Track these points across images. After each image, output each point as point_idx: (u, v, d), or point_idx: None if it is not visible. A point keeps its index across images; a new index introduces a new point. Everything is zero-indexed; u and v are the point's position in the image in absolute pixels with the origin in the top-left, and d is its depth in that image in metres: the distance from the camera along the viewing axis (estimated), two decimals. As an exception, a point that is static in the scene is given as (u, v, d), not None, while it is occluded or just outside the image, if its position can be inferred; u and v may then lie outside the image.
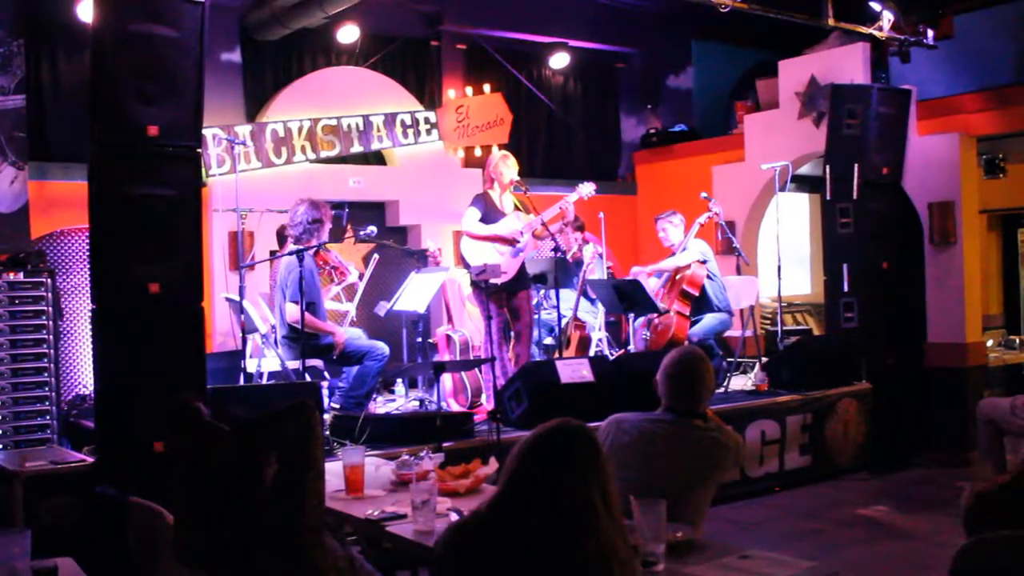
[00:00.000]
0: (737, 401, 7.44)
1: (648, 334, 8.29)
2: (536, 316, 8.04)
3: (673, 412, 3.68)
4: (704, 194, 8.72)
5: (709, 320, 8.20)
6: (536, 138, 11.46)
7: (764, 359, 8.37)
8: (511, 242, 7.33)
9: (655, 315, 8.20)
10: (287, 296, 6.69)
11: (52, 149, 8.23)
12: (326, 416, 6.23)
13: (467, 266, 7.31)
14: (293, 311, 6.60)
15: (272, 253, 8.49)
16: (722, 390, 7.86)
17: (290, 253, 6.65)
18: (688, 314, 8.19)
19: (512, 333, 7.57)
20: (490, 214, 7.36)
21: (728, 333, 8.56)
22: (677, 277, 8.29)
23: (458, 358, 7.73)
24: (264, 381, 7.14)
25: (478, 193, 7.53)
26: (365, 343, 6.96)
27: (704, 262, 8.27)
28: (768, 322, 10.93)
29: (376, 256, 8.05)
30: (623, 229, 11.38)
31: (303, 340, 6.38)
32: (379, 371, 6.83)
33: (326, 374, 7.49)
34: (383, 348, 6.88)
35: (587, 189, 7.62)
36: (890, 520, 6.56)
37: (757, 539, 5.97)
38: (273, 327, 7.28)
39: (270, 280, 8.15)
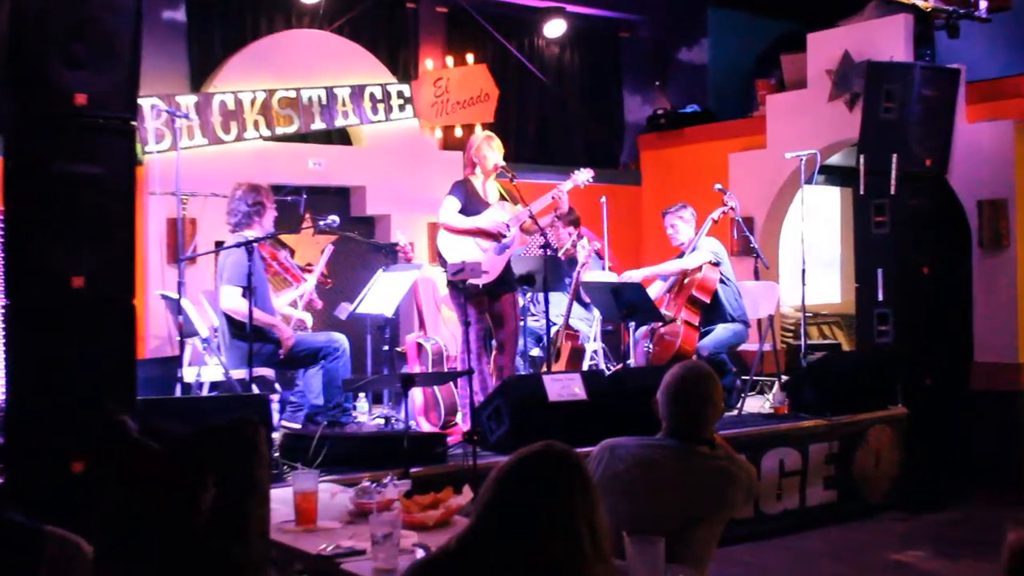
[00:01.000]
0: (752, 426, 7.45)
1: (651, 346, 8.30)
2: (522, 323, 8.04)
3: (675, 437, 3.68)
4: (719, 186, 8.74)
5: (721, 331, 8.22)
6: (526, 117, 11.47)
7: (784, 377, 8.38)
8: (496, 237, 7.32)
9: (659, 324, 8.22)
10: (224, 278, 6.74)
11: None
12: (275, 435, 6.22)
13: (443, 264, 7.31)
14: (229, 296, 6.64)
15: (219, 244, 8.47)
16: (734, 412, 7.88)
17: (238, 245, 6.65)
18: (697, 324, 8.20)
19: (494, 342, 7.57)
20: (471, 204, 7.36)
21: (743, 347, 8.58)
22: (685, 281, 8.31)
23: (430, 370, 7.72)
24: (204, 393, 7.13)
25: (458, 180, 7.53)
26: (319, 339, 6.98)
27: (717, 264, 8.29)
28: (790, 335, 10.94)
29: (330, 248, 8.02)
30: (625, 223, 11.40)
31: (249, 332, 6.36)
32: (344, 370, 6.91)
33: (277, 386, 7.48)
34: (339, 340, 6.91)
35: (583, 176, 7.63)
36: (928, 567, 6.58)
37: (772, 585, 5.99)
38: (216, 329, 7.26)
39: (215, 275, 8.13)
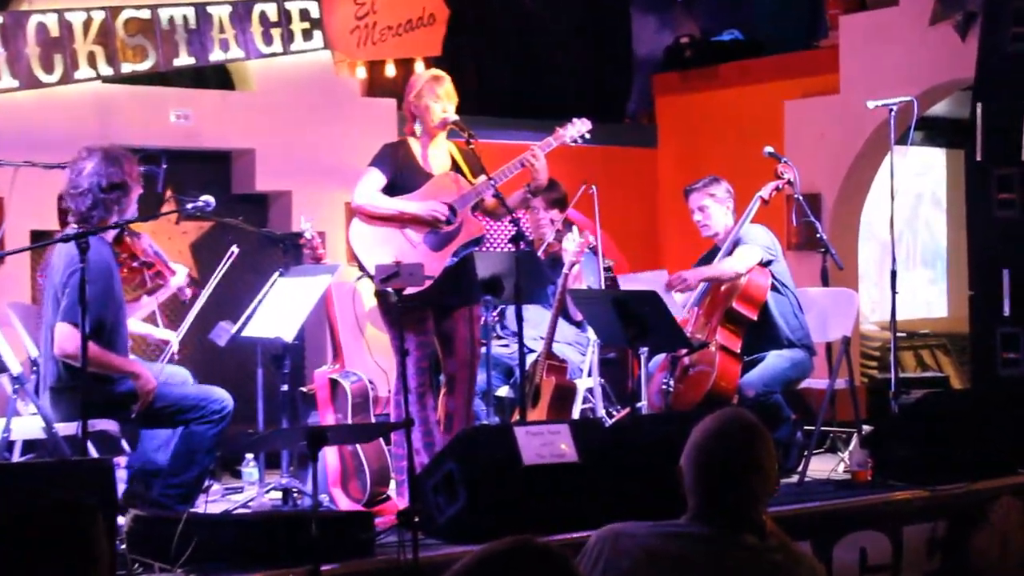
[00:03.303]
0: (820, 499, 7.45)
1: (671, 383, 8.27)
2: (484, 349, 8.03)
3: (707, 521, 3.68)
4: (770, 149, 8.73)
5: (774, 361, 8.21)
6: (492, 51, 11.45)
7: (866, 428, 8.40)
8: (430, 222, 7.29)
9: (684, 351, 8.20)
10: (63, 308, 6.61)
11: None
12: (121, 519, 6.17)
13: (361, 267, 7.28)
14: (67, 336, 6.52)
15: (37, 236, 8.40)
16: (794, 480, 7.88)
17: (70, 238, 6.54)
18: (739, 351, 8.18)
19: (442, 378, 7.55)
20: (407, 177, 7.32)
21: (806, 383, 8.58)
22: (722, 288, 8.29)
23: (350, 419, 7.71)
24: (15, 457, 7.08)
25: (388, 143, 7.50)
26: (191, 391, 6.91)
27: (768, 263, 8.27)
28: (874, 365, 10.96)
29: (234, 251, 7.96)
30: (634, 203, 11.42)
31: (84, 386, 6.31)
32: (216, 438, 6.81)
33: (124, 445, 7.42)
34: (222, 398, 6.84)
35: (575, 131, 7.59)
36: None
37: None
38: (34, 363, 7.19)
39: (36, 280, 8.07)
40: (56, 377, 6.72)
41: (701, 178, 8.61)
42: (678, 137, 11.91)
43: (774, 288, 8.28)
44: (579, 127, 7.60)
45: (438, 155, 7.48)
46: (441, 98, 7.37)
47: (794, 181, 8.58)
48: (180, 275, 7.47)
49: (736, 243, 8.35)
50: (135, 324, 7.55)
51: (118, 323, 6.76)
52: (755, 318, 8.21)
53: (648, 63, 12.27)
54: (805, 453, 8.14)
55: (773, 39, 11.88)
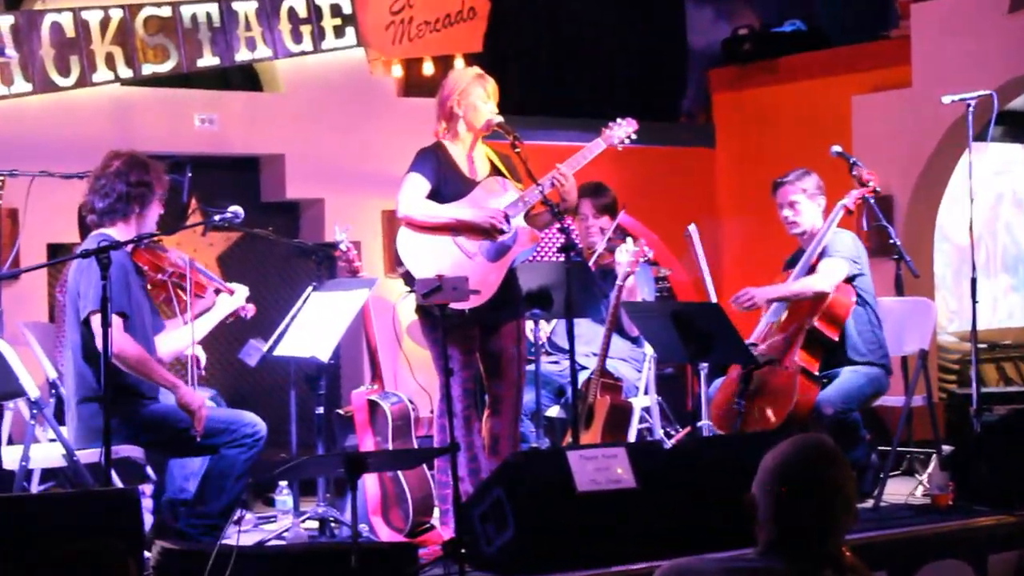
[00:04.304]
0: (897, 525, 7.41)
1: (743, 403, 8.16)
2: (531, 367, 8.00)
3: (782, 555, 3.64)
4: (838, 148, 8.64)
5: (850, 377, 8.10)
6: (535, 46, 11.44)
7: (946, 448, 8.33)
8: (487, 231, 7.27)
9: (753, 367, 8.09)
10: (82, 306, 6.60)
11: None
12: (148, 553, 6.17)
13: (408, 279, 7.26)
14: (117, 329, 6.42)
15: (55, 250, 8.41)
16: (869, 504, 7.83)
17: (89, 253, 6.46)
18: (817, 372, 7.99)
19: (488, 398, 7.52)
20: (448, 183, 7.30)
21: (880, 400, 8.50)
22: (804, 305, 8.12)
23: (390, 444, 7.70)
24: (34, 487, 7.08)
25: (425, 147, 7.47)
26: (220, 414, 6.92)
27: (854, 278, 8.12)
28: (952, 379, 10.87)
29: (312, 290, 7.89)
30: (691, 206, 11.37)
31: (106, 400, 6.27)
32: (248, 464, 6.80)
33: (149, 471, 7.41)
34: (254, 422, 6.84)
35: (621, 132, 7.57)
36: None
37: None
38: (52, 385, 7.19)
39: (56, 297, 8.08)
40: (83, 388, 6.69)
41: (791, 171, 8.50)
42: (737, 136, 11.87)
43: (856, 302, 8.17)
44: (625, 128, 7.57)
45: (479, 160, 7.45)
46: (490, 97, 7.34)
47: (879, 188, 8.48)
48: (240, 295, 7.40)
49: (822, 253, 8.19)
50: (166, 342, 7.48)
51: (142, 326, 6.73)
52: (836, 339, 8.09)
53: (704, 57, 12.24)
54: (881, 476, 8.09)
55: (839, 29, 11.83)
